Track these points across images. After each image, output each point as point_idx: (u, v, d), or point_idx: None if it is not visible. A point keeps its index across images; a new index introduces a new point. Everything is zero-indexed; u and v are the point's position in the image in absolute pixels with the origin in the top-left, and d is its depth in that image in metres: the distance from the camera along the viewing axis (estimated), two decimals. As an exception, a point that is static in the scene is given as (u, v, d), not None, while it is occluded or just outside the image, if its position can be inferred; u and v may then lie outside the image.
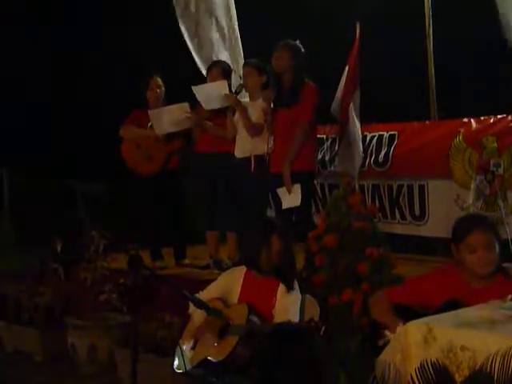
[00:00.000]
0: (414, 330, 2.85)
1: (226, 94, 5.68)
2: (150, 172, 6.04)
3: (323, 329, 3.57)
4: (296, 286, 4.07)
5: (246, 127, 5.57)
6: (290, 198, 5.21)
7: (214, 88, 5.77)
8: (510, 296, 3.06)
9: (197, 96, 5.79)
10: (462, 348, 2.72)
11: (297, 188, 5.20)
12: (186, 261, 6.23)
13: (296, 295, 4.02)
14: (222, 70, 5.91)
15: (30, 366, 5.54)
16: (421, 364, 2.80)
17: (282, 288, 4.02)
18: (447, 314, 3.00)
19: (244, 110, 5.62)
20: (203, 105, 5.82)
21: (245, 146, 5.60)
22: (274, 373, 3.67)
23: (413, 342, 2.83)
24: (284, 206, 5.27)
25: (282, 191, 5.28)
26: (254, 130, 5.55)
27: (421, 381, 2.81)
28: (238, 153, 5.65)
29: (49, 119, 7.32)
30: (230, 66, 6.12)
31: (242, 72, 5.81)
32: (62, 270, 5.66)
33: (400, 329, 2.98)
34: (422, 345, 2.81)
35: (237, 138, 5.68)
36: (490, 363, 2.65)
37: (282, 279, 4.03)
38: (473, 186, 5.52)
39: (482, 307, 3.02)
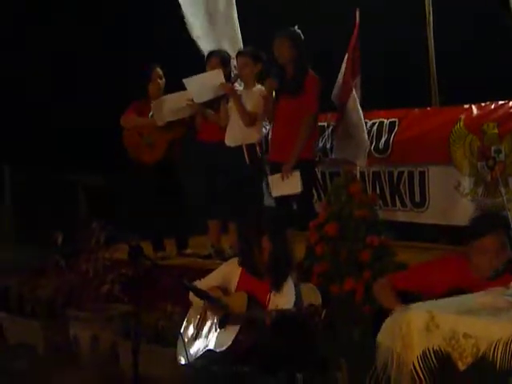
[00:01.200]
0: (416, 318, 2.84)
1: (221, 83, 5.64)
2: (153, 160, 6.02)
3: (324, 312, 3.55)
4: (291, 282, 4.01)
5: (241, 116, 5.54)
6: (287, 184, 5.15)
7: (208, 77, 5.73)
8: (512, 283, 3.05)
9: (188, 89, 5.73)
10: (465, 335, 2.71)
11: (296, 175, 5.15)
12: (188, 250, 6.23)
13: (290, 291, 3.96)
14: (220, 59, 5.87)
15: (33, 357, 5.54)
16: (423, 352, 2.80)
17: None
18: (449, 300, 2.99)
19: (239, 98, 5.59)
20: (194, 98, 5.74)
21: (236, 134, 5.57)
22: (276, 360, 3.68)
23: (415, 330, 2.82)
24: (274, 194, 5.24)
25: (273, 178, 5.23)
26: (249, 119, 5.52)
27: (423, 369, 2.80)
28: (230, 141, 5.61)
29: (49, 114, 7.29)
30: (228, 55, 6.08)
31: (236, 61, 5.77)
32: (63, 261, 5.65)
33: (401, 315, 2.96)
34: (424, 332, 2.80)
35: (228, 126, 5.64)
36: (492, 350, 2.64)
37: (271, 279, 3.98)
38: (469, 171, 5.50)
39: (484, 294, 3.01)
